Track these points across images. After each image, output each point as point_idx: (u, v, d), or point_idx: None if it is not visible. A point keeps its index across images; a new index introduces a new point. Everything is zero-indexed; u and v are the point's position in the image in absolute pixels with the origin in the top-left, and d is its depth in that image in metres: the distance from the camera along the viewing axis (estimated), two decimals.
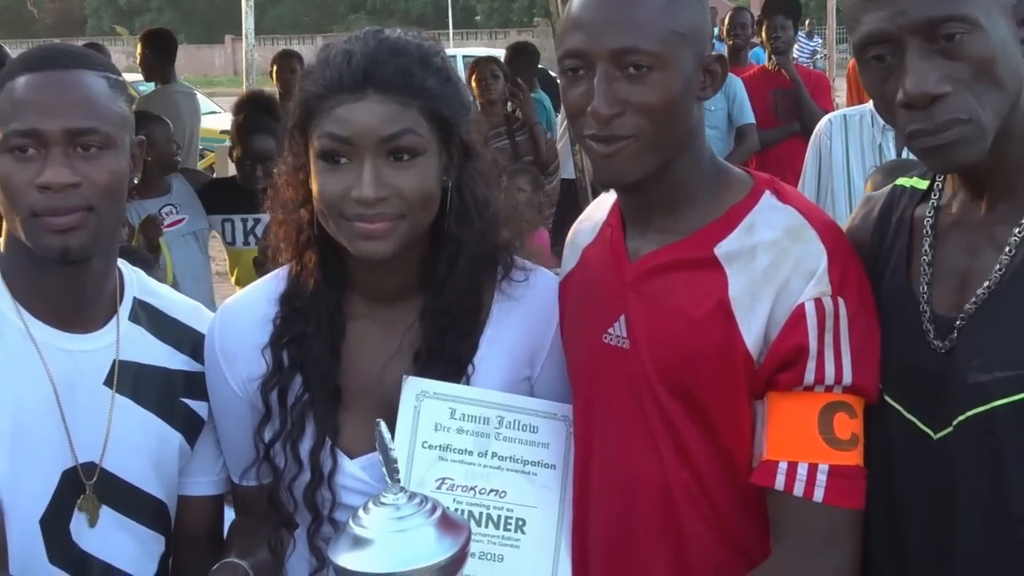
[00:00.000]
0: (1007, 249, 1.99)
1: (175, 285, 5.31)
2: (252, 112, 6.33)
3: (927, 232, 2.13)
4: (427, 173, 2.28)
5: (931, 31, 1.90)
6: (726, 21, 9.60)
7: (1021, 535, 1.95)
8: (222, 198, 6.26)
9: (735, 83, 8.40)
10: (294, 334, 2.40)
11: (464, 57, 19.74)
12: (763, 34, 8.60)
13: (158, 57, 8.98)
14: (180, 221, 6.10)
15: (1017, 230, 1.99)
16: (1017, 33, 1.96)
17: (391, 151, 2.24)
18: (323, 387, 2.38)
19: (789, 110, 8.21)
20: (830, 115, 5.68)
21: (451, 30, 46.42)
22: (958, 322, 2.01)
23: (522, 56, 10.24)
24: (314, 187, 2.28)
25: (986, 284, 1.99)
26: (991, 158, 1.96)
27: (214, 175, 9.37)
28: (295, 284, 2.43)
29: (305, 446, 2.38)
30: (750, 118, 8.20)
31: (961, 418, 1.98)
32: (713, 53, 2.21)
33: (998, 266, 1.99)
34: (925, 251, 2.11)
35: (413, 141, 2.25)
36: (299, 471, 2.39)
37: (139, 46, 9.17)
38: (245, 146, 6.14)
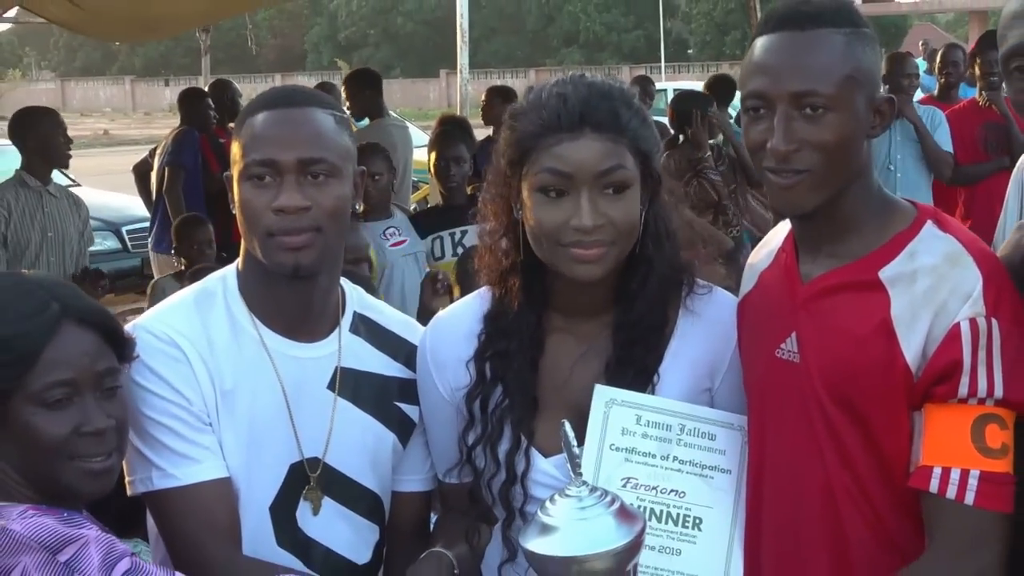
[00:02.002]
0: None
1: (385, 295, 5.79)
2: (449, 126, 7.17)
3: None
4: (634, 203, 2.50)
5: None
6: (939, 58, 9.56)
7: None
8: (430, 222, 6.80)
9: (939, 116, 8.42)
10: (497, 350, 2.63)
11: (675, 91, 19.83)
12: (977, 69, 8.53)
13: (365, 95, 9.43)
14: (403, 242, 6.60)
15: None
16: None
17: (605, 184, 2.45)
18: (521, 396, 2.60)
19: (999, 144, 8.14)
20: None
21: (663, 63, 46.35)
22: None
23: (721, 86, 10.41)
24: (529, 217, 2.49)
25: None
26: None
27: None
28: (498, 304, 2.65)
29: (503, 447, 2.60)
30: (947, 148, 8.23)
31: None
32: (883, 95, 2.38)
33: None
34: None
35: (624, 175, 2.47)
36: (497, 470, 2.61)
37: (343, 89, 9.61)
38: (440, 151, 6.82)
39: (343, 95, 9.47)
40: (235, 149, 2.60)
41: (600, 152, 2.45)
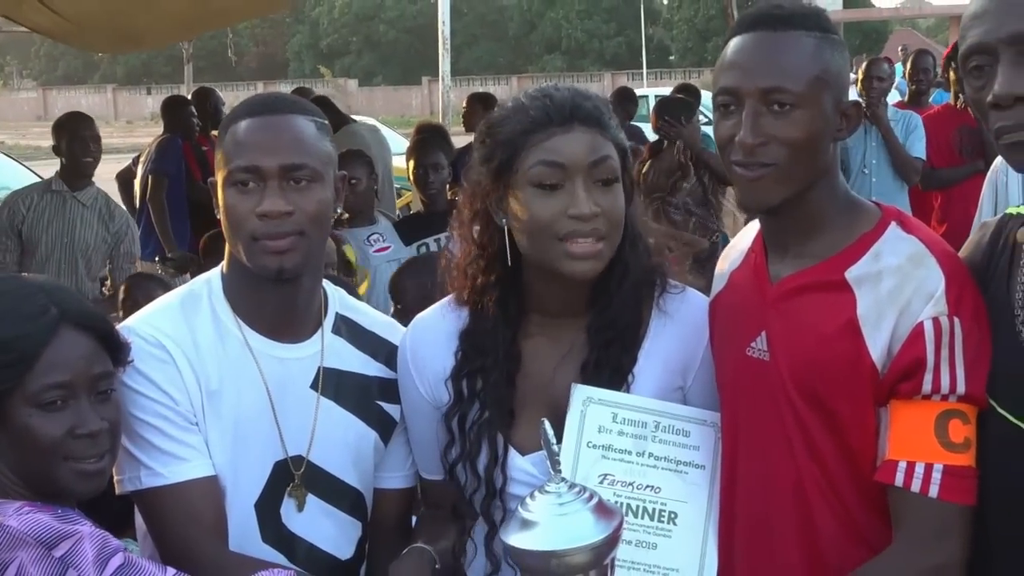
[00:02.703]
0: None
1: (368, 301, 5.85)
2: (426, 133, 7.27)
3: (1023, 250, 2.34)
4: (620, 197, 2.58)
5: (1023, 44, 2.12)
6: (909, 65, 9.64)
7: None
8: (413, 230, 6.85)
9: (915, 119, 8.49)
10: (473, 368, 2.69)
11: (656, 97, 19.91)
12: (950, 73, 8.56)
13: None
14: (386, 248, 6.67)
15: None
16: None
17: (597, 176, 2.52)
18: (498, 411, 2.66)
19: (974, 148, 8.15)
20: None
21: (645, 69, 46.42)
22: None
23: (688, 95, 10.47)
24: (521, 215, 2.54)
25: None
26: None
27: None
28: (475, 320, 2.71)
29: (481, 462, 2.66)
30: (920, 154, 8.29)
31: None
32: (850, 100, 2.45)
33: None
34: (1022, 267, 2.31)
35: (613, 166, 2.55)
36: (478, 485, 2.67)
37: None
38: (419, 158, 6.91)
39: None
40: (219, 155, 2.66)
41: (591, 143, 2.53)
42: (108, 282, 7.68)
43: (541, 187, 2.52)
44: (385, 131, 11.35)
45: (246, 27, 60.12)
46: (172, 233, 9.08)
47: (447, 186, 6.90)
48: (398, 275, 4.85)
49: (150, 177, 9.26)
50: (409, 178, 7.14)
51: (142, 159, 9.65)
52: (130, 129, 48.25)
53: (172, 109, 9.97)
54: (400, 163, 10.56)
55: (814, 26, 2.42)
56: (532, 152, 2.53)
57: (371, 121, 10.55)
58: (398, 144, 13.28)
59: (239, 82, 53.00)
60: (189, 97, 10.80)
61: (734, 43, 2.45)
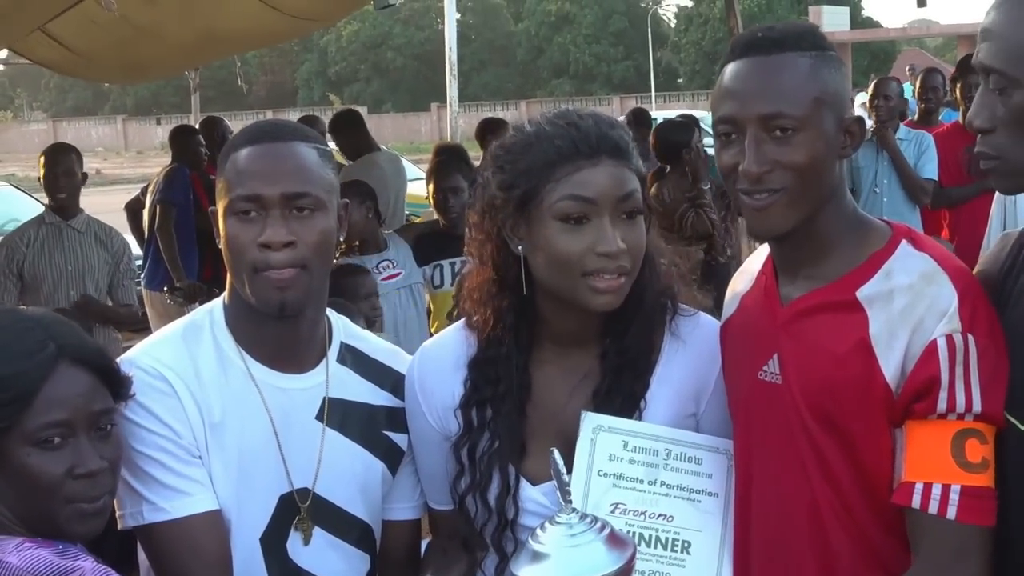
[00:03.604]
0: None
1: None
2: (445, 156, 7.17)
3: None
4: (644, 229, 2.54)
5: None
6: (918, 84, 9.63)
7: None
8: (433, 248, 6.81)
9: (927, 140, 8.46)
10: (483, 397, 2.65)
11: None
12: (957, 92, 8.55)
13: (347, 134, 9.57)
14: (396, 275, 6.65)
15: None
16: None
17: (624, 209, 2.49)
18: (510, 442, 2.62)
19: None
20: None
21: (653, 92, 46.55)
22: None
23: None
24: (546, 248, 2.49)
25: None
26: None
27: None
28: (485, 348, 2.67)
29: (492, 493, 2.62)
30: (931, 175, 8.25)
31: None
32: (852, 116, 2.42)
33: None
34: None
35: (639, 200, 2.51)
36: (488, 516, 2.63)
37: (329, 137, 9.67)
38: (438, 182, 6.84)
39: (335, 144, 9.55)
40: (219, 184, 2.62)
41: (619, 178, 2.49)
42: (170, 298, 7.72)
43: (567, 221, 2.48)
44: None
45: (255, 56, 60.39)
46: (181, 262, 9.07)
47: (466, 209, 6.81)
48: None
49: (158, 207, 9.27)
50: (429, 202, 7.07)
51: (150, 189, 9.67)
52: (140, 159, 48.53)
53: (179, 138, 9.98)
54: (413, 190, 10.59)
55: (808, 45, 2.39)
56: (559, 185, 2.48)
57: (392, 153, 10.53)
58: (410, 171, 13.27)
59: (248, 111, 53.15)
60: (196, 127, 10.82)
61: (729, 70, 2.42)
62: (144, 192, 10.10)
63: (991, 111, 2.18)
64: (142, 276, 9.65)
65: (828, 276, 2.41)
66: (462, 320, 2.75)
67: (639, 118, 11.75)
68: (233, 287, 2.67)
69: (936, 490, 2.24)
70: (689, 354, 2.66)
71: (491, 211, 2.60)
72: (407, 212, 10.31)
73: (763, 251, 2.64)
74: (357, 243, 6.65)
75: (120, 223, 9.30)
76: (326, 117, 12.13)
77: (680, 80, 60.99)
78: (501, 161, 2.58)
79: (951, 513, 2.22)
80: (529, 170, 2.51)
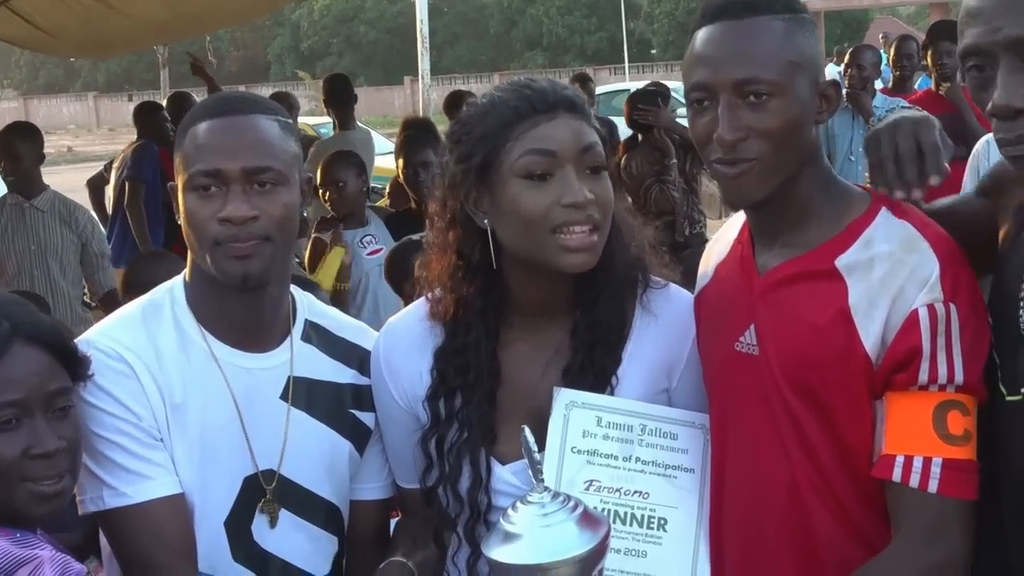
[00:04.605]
0: None
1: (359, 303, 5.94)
2: (413, 130, 7.06)
3: None
4: (610, 185, 2.48)
5: (1021, 49, 2.02)
6: (892, 51, 9.61)
7: None
8: (405, 226, 6.70)
9: (902, 107, 8.42)
10: (452, 386, 2.59)
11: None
12: (929, 60, 8.54)
13: (340, 101, 9.51)
14: (379, 251, 6.57)
15: None
16: None
17: (587, 163, 2.43)
18: (480, 431, 2.56)
19: (955, 134, 8.09)
20: (987, 136, 5.68)
21: (627, 64, 46.43)
22: None
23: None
24: (511, 210, 2.43)
25: None
26: None
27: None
28: (453, 330, 2.60)
29: (463, 485, 2.55)
30: None
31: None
32: (828, 79, 2.36)
33: None
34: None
35: (601, 153, 2.46)
36: (461, 508, 2.57)
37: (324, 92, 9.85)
38: (407, 157, 6.76)
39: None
40: (178, 159, 2.56)
41: (578, 130, 2.45)
42: (86, 288, 7.65)
43: (530, 178, 2.42)
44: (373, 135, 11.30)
45: (225, 31, 59.99)
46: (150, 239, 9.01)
47: None
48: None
49: (127, 184, 9.22)
50: (399, 176, 7.02)
51: (115, 165, 9.62)
52: (112, 136, 48.23)
53: (144, 115, 9.98)
54: (382, 163, 10.53)
55: (781, 8, 2.33)
56: (518, 143, 2.43)
57: (364, 129, 10.49)
58: (382, 145, 13.20)
59: (221, 86, 52.94)
60: (164, 102, 10.76)
61: (701, 35, 2.36)
62: (107, 168, 10.05)
63: None
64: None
65: (806, 244, 2.35)
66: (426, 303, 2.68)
67: (582, 81, 11.68)
68: (194, 264, 2.61)
69: (917, 463, 2.19)
70: (661, 328, 2.60)
71: (452, 190, 2.54)
72: (378, 186, 10.26)
73: (738, 219, 2.58)
74: (340, 217, 6.62)
75: (83, 199, 9.23)
76: (297, 93, 12.10)
77: (653, 51, 60.84)
78: (458, 135, 2.53)
79: (933, 486, 2.18)
80: (486, 135, 2.46)
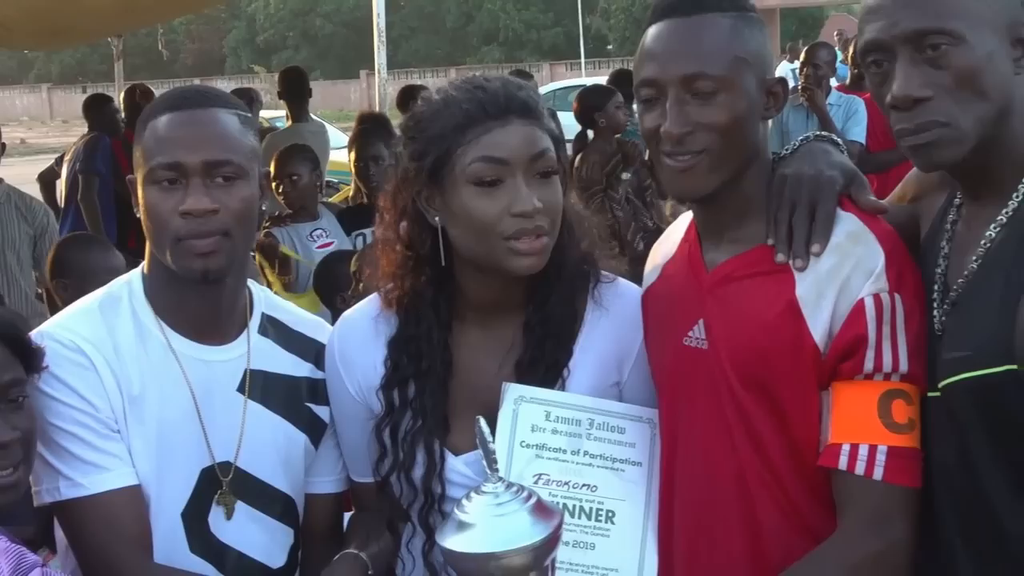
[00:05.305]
0: (983, 242, 2.19)
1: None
2: (367, 124, 7.15)
3: (947, 227, 2.33)
4: (560, 189, 2.51)
5: (919, 42, 2.12)
6: (851, 48, 9.68)
7: (993, 511, 2.15)
8: (356, 219, 6.77)
9: (857, 104, 8.51)
10: (405, 375, 2.61)
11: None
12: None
13: (296, 95, 9.47)
14: (330, 244, 6.59)
15: (989, 230, 2.18)
16: (1010, 52, 2.15)
17: (537, 169, 2.45)
18: (434, 420, 2.59)
19: None
20: None
21: (583, 59, 46.41)
22: (946, 305, 2.23)
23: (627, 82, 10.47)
24: (461, 215, 2.45)
25: (964, 273, 2.21)
26: (977, 162, 2.16)
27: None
28: (406, 320, 2.62)
29: (417, 473, 2.59)
30: (859, 137, 8.30)
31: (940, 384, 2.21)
32: (775, 76, 2.41)
33: (974, 257, 2.20)
34: (943, 244, 2.31)
35: (552, 159, 2.48)
36: (414, 496, 2.60)
37: (279, 85, 9.77)
38: (359, 151, 6.86)
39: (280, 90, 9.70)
40: (138, 152, 2.57)
41: (530, 137, 2.46)
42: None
43: (480, 184, 2.44)
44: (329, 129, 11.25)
45: (181, 23, 59.63)
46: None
47: None
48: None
49: (81, 177, 9.15)
50: (351, 170, 7.04)
51: (67, 158, 9.55)
52: (66, 128, 47.78)
53: (95, 107, 9.94)
54: (338, 158, 10.51)
55: (729, 6, 2.37)
56: (470, 148, 2.44)
57: (319, 123, 10.45)
58: (338, 139, 13.16)
59: (175, 79, 52.51)
60: (121, 95, 10.69)
61: (650, 32, 2.40)
62: (58, 163, 9.98)
63: (924, 77, 2.14)
64: None
65: (753, 239, 2.40)
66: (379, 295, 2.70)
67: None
68: (153, 257, 2.62)
69: (863, 451, 2.24)
70: (612, 321, 2.64)
71: (405, 184, 2.56)
72: (336, 180, 10.24)
73: (684, 219, 2.62)
74: (288, 212, 6.62)
75: (34, 193, 9.17)
76: (255, 86, 12.05)
77: (610, 47, 60.81)
78: (412, 132, 2.55)
79: (878, 474, 2.23)
80: (439, 136, 2.47)
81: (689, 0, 2.36)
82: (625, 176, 8.31)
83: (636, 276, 2.72)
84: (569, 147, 8.75)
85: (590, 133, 8.53)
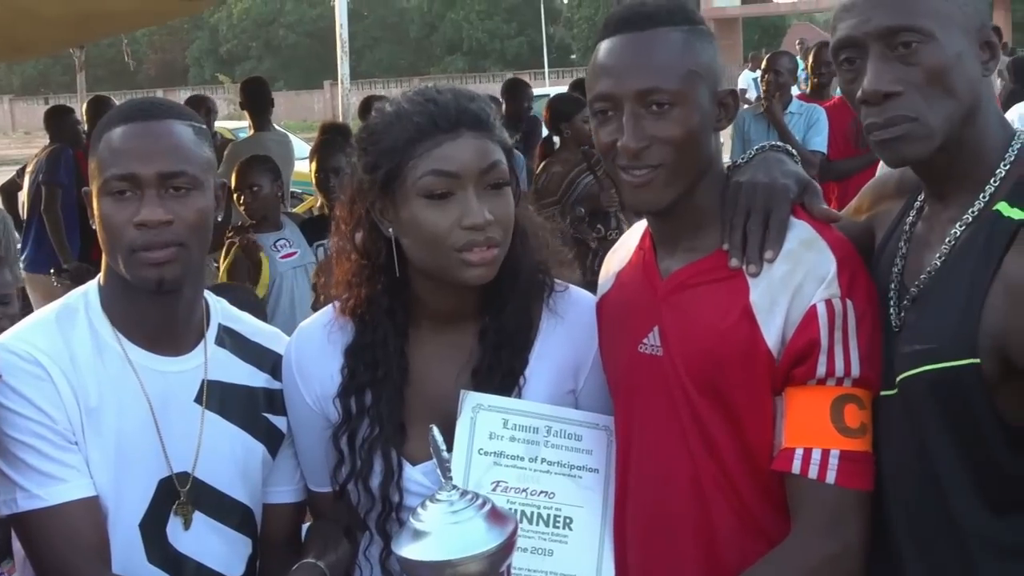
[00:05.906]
0: (947, 240, 2.23)
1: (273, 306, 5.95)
2: (330, 135, 7.20)
3: (906, 228, 2.37)
4: (511, 201, 2.52)
5: (890, 38, 2.17)
6: (811, 58, 9.73)
7: (948, 510, 2.19)
8: (316, 230, 6.77)
9: (818, 112, 8.56)
10: (361, 383, 2.62)
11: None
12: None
13: (253, 107, 9.46)
14: (293, 254, 6.64)
15: (955, 227, 2.22)
16: (979, 55, 2.21)
17: (488, 182, 2.47)
18: (391, 427, 2.60)
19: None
20: None
21: (547, 69, 46.54)
22: (905, 302, 2.28)
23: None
24: (412, 227, 2.47)
25: (928, 270, 2.24)
26: (943, 160, 2.21)
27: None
28: (362, 328, 2.64)
29: (375, 481, 2.59)
30: (820, 147, 8.35)
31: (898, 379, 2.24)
32: (725, 88, 2.44)
33: (938, 255, 2.23)
34: (900, 245, 2.35)
35: (503, 171, 2.50)
36: (372, 504, 2.61)
37: (241, 95, 9.78)
38: (320, 162, 6.90)
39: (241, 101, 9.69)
40: (93, 164, 2.58)
41: (481, 150, 2.47)
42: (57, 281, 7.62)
43: (431, 197, 2.45)
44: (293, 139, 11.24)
45: (144, 34, 59.48)
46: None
47: None
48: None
49: (44, 188, 9.12)
50: (312, 180, 7.04)
51: (28, 170, 9.52)
52: (28, 140, 47.55)
53: (56, 119, 9.91)
54: (302, 168, 10.51)
55: (680, 20, 2.40)
56: (420, 161, 2.46)
57: (282, 133, 10.43)
58: (302, 149, 13.15)
59: (138, 90, 52.30)
60: (84, 106, 10.66)
61: (604, 47, 2.43)
62: (20, 174, 9.94)
63: (895, 73, 2.18)
64: (22, 259, 9.48)
65: (708, 247, 2.43)
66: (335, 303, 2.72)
67: (516, 88, 11.50)
68: (109, 268, 2.63)
69: (816, 455, 2.27)
70: (567, 329, 2.66)
71: (359, 195, 2.58)
72: (299, 191, 10.24)
73: (638, 227, 2.65)
74: (251, 222, 6.63)
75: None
76: (216, 96, 12.02)
77: (573, 56, 61.00)
78: (365, 144, 2.56)
79: (830, 477, 2.26)
80: (391, 149, 2.49)
81: (642, 14, 2.39)
82: (585, 180, 8.24)
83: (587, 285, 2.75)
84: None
85: (557, 140, 8.54)
